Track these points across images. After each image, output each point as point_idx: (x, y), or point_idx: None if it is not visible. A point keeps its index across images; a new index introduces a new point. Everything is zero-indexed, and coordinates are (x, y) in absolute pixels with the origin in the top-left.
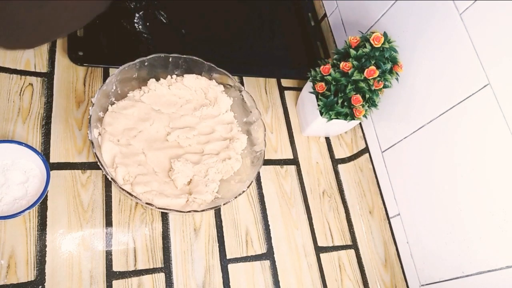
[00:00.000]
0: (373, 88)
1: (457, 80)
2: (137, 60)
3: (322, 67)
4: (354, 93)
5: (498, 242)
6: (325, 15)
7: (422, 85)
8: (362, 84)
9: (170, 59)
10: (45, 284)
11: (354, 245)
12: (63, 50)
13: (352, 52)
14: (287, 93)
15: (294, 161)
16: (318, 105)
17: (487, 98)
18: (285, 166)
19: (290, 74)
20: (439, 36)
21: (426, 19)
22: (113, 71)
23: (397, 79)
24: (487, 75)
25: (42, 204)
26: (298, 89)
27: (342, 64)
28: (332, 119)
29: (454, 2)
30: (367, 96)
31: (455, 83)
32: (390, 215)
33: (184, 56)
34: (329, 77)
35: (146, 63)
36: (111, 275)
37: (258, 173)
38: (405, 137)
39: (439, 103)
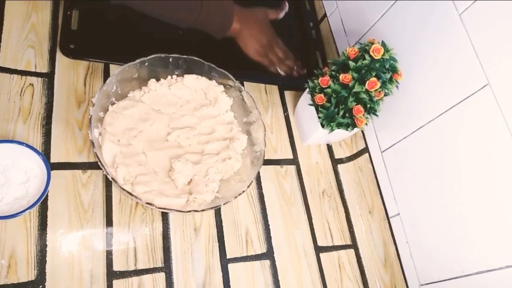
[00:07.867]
0: (374, 99)
1: (457, 80)
2: (137, 60)
3: (320, 78)
4: (355, 103)
5: (498, 242)
6: (325, 15)
7: (422, 85)
8: (363, 95)
9: (170, 59)
10: (45, 283)
11: (354, 245)
12: None
13: (352, 64)
14: (287, 93)
15: (294, 161)
16: (319, 117)
17: (487, 98)
18: (285, 166)
19: (289, 81)
20: (438, 36)
21: (425, 19)
22: (113, 71)
23: (397, 86)
24: (486, 75)
25: (42, 204)
26: (298, 89)
27: (341, 76)
28: (333, 130)
29: (453, 2)
30: (368, 106)
31: (454, 83)
32: (389, 215)
33: (184, 56)
34: (329, 90)
35: (146, 63)
36: (112, 274)
37: (258, 173)
38: (405, 137)
39: (438, 103)
